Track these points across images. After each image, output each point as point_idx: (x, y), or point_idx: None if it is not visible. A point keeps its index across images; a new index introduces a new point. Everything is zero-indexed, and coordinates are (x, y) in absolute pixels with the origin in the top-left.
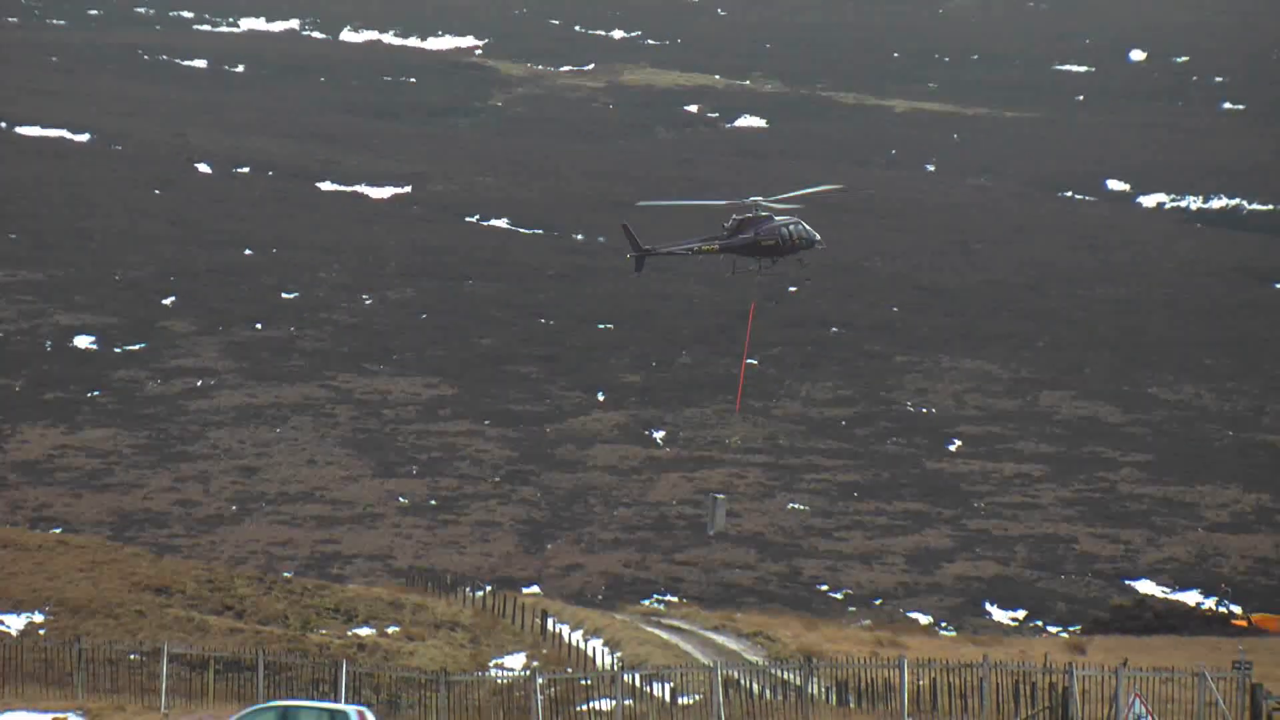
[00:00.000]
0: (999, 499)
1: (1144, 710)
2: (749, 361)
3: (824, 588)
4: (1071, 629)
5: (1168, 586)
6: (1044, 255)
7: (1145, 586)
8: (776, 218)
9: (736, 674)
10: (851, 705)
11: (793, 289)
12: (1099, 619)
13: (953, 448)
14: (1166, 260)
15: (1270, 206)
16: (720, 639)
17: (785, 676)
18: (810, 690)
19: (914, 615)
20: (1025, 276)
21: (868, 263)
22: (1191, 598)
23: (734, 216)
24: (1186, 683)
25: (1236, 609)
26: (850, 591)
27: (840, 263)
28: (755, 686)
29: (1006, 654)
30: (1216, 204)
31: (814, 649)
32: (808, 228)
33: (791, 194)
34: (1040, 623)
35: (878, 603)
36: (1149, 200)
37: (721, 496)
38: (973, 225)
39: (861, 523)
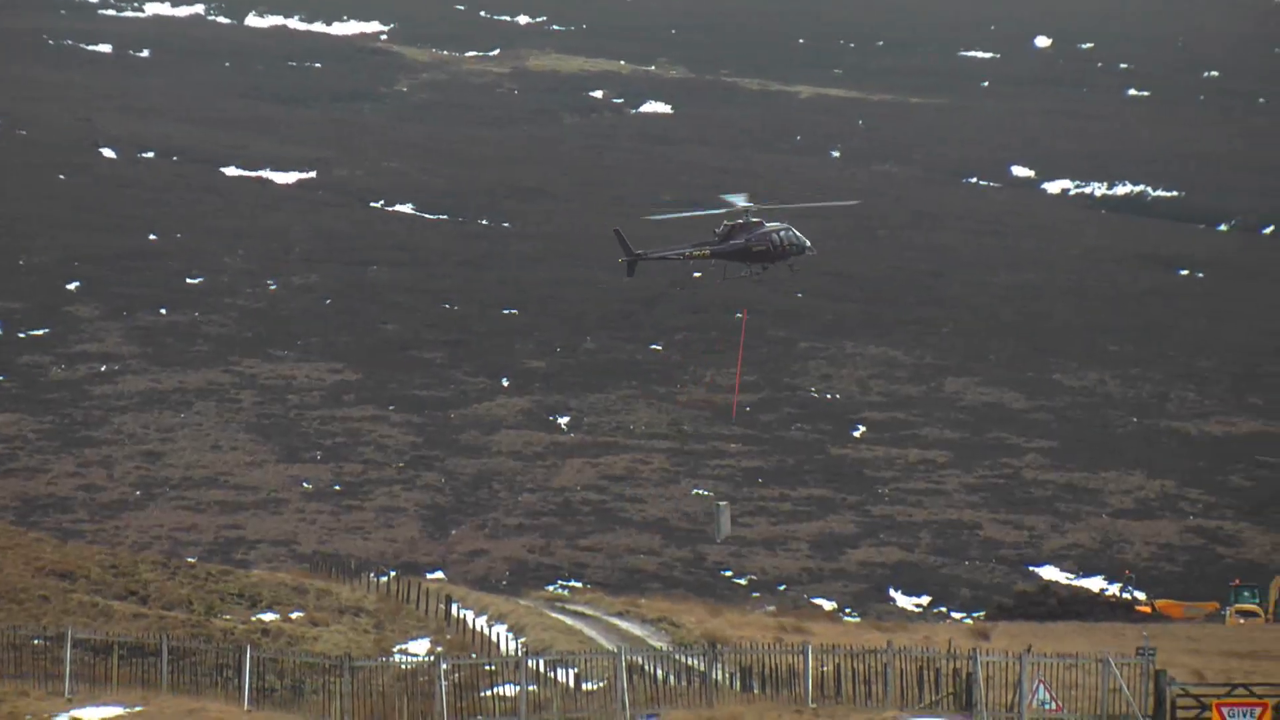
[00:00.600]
0: (903, 485)
1: (1048, 696)
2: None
3: (728, 573)
4: (976, 615)
5: (1071, 573)
6: (948, 241)
7: (1049, 573)
8: (768, 224)
9: (640, 660)
10: (755, 691)
11: (696, 274)
12: (1003, 605)
13: (857, 434)
14: (1071, 247)
15: (1175, 193)
16: (624, 625)
17: (689, 662)
18: (714, 676)
19: (818, 601)
20: (930, 263)
21: None
22: (1095, 584)
23: (725, 222)
24: (1090, 669)
25: (1140, 595)
26: (754, 577)
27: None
28: (659, 672)
29: (911, 640)
30: (1121, 190)
31: (718, 635)
32: (798, 234)
33: (806, 204)
34: (944, 609)
35: (782, 588)
36: (1053, 187)
37: (724, 504)
38: (877, 211)
39: (766, 509)
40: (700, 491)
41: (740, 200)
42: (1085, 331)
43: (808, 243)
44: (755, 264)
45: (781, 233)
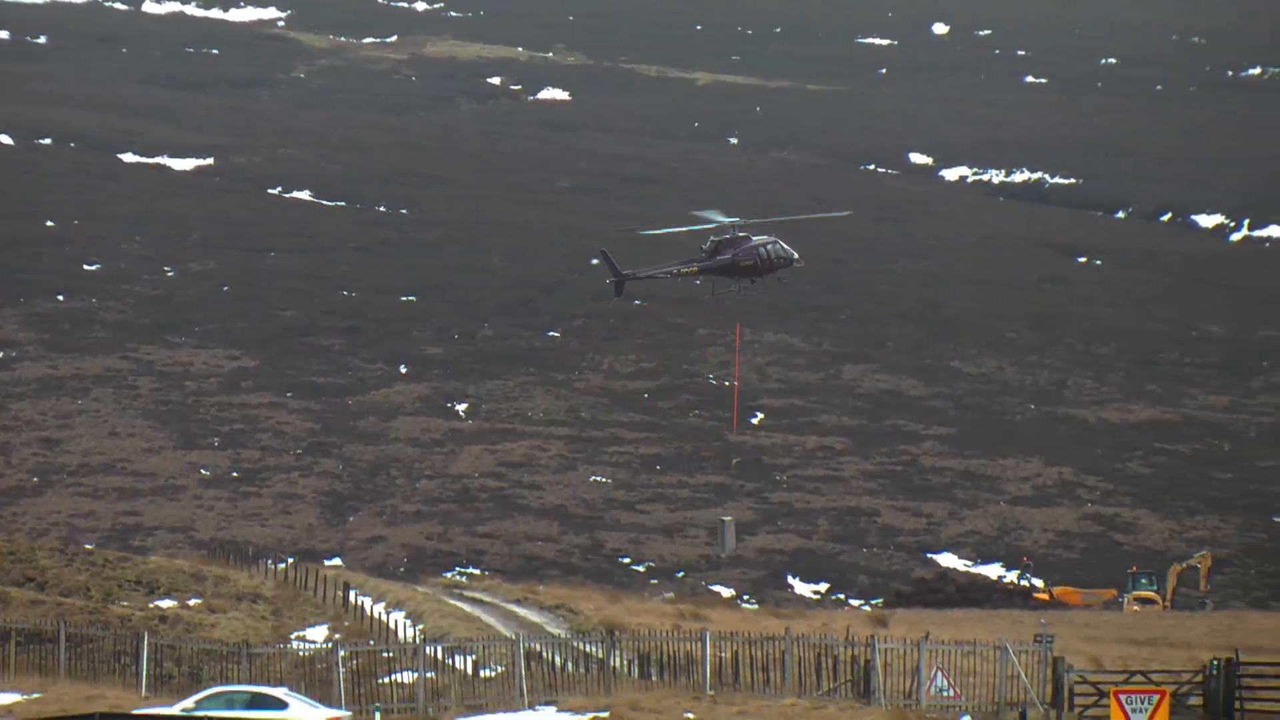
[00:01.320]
0: (801, 472)
1: (945, 683)
2: (732, 384)
3: (626, 560)
4: (874, 602)
5: (969, 560)
6: (846, 228)
7: (947, 560)
8: (754, 238)
9: (539, 647)
10: (654, 678)
11: (594, 261)
12: (901, 592)
13: (755, 420)
14: (969, 234)
15: (1072, 180)
16: (522, 611)
17: (587, 649)
18: (612, 663)
19: (716, 588)
20: (828, 250)
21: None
22: (993, 571)
23: (711, 238)
24: (988, 656)
25: (1038, 582)
26: (652, 564)
27: (642, 235)
28: (557, 659)
29: (809, 627)
30: (1019, 178)
31: (616, 622)
32: (785, 247)
33: (795, 217)
34: (842, 596)
35: (680, 575)
36: (951, 174)
37: (729, 519)
38: (774, 198)
39: (664, 495)
40: (598, 479)
41: (719, 216)
42: (983, 319)
43: (795, 255)
44: (743, 278)
45: (768, 246)
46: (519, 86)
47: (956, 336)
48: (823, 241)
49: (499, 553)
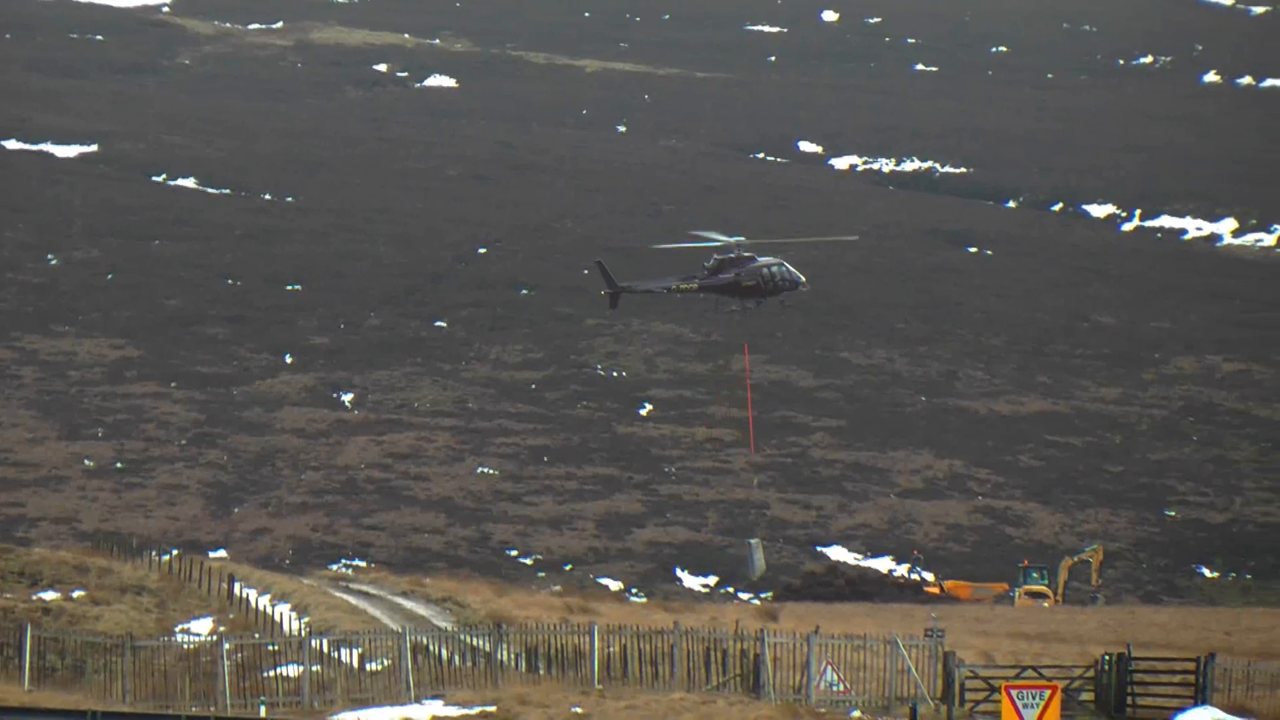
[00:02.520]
0: (690, 464)
1: (835, 678)
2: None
3: (514, 553)
4: (763, 596)
5: (860, 553)
6: (736, 217)
7: (837, 553)
8: (759, 258)
9: (425, 639)
10: (541, 672)
11: (482, 250)
12: (791, 586)
13: (644, 412)
14: (859, 222)
15: (963, 169)
16: (409, 604)
17: (474, 642)
18: (500, 656)
19: (604, 581)
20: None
21: (558, 224)
22: (883, 564)
23: (715, 256)
24: (878, 651)
25: (928, 576)
26: (540, 557)
27: (530, 224)
28: (444, 652)
29: (698, 620)
30: (909, 166)
31: (503, 615)
32: (791, 269)
33: (803, 239)
34: (732, 589)
35: (568, 568)
36: (841, 162)
37: (757, 540)
38: (663, 186)
39: (551, 487)
40: (485, 470)
41: (721, 236)
42: (873, 308)
43: (802, 278)
44: (746, 299)
45: (773, 268)
46: (406, 73)
47: (846, 326)
48: (709, 229)
49: (385, 545)
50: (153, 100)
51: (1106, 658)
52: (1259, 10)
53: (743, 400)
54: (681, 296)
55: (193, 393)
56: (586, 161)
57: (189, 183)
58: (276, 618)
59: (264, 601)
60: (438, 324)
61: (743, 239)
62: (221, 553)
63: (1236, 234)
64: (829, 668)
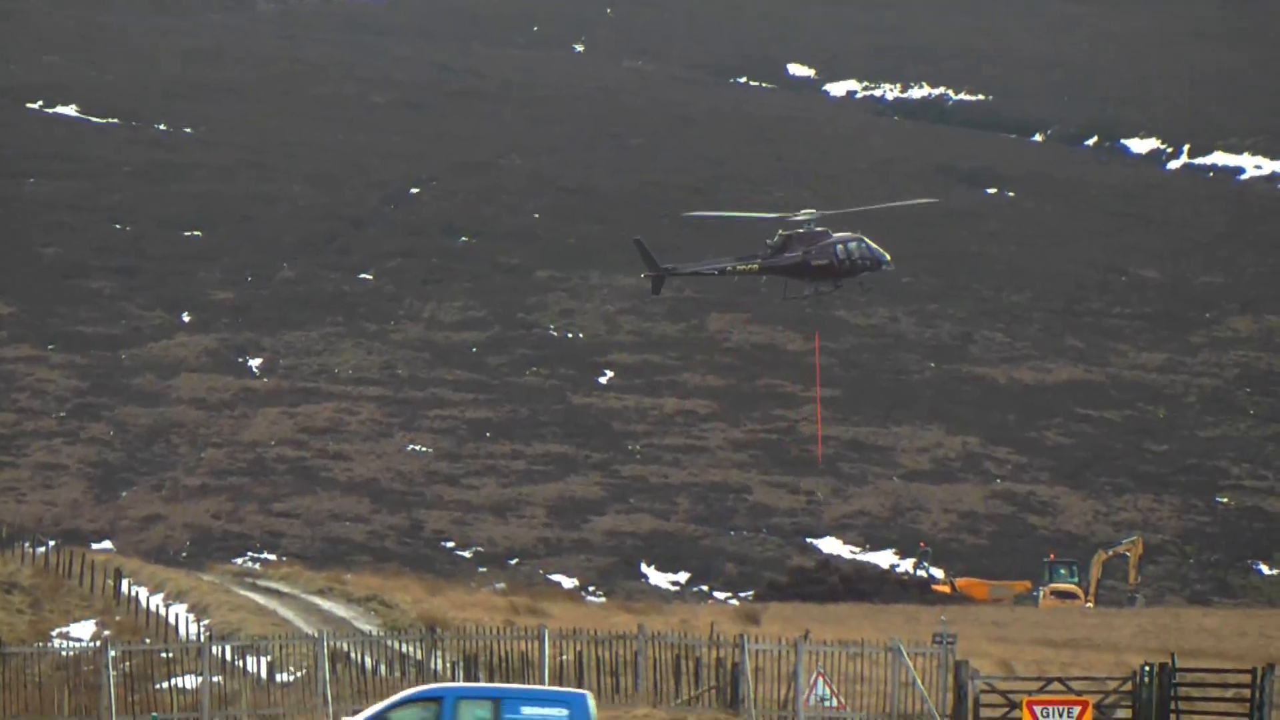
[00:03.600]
0: (658, 441)
1: (828, 691)
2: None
3: (450, 545)
4: (743, 595)
5: (856, 546)
6: (714, 152)
7: (830, 545)
8: (834, 234)
9: (346, 646)
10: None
11: (414, 190)
12: (775, 583)
13: (604, 380)
14: (858, 159)
15: (980, 96)
16: (327, 605)
17: (404, 649)
18: (433, 665)
19: (556, 578)
20: (691, 177)
21: (504, 160)
22: (884, 559)
23: (780, 231)
24: (878, 659)
25: (937, 573)
26: (481, 549)
27: (471, 160)
28: (368, 661)
29: (666, 624)
30: (917, 93)
31: (438, 617)
32: (872, 245)
33: (878, 206)
34: (706, 587)
35: (514, 562)
36: (837, 88)
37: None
38: (628, 116)
39: (495, 468)
40: (417, 448)
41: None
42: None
43: (886, 256)
44: (819, 281)
45: (850, 244)
46: None
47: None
48: (684, 166)
49: (299, 535)
50: (28, 14)
51: (1146, 668)
52: None
53: (723, 367)
54: (739, 280)
55: (73, 356)
56: (538, 87)
57: (70, 111)
58: (171, 620)
59: (156, 601)
60: (362, 277)
61: (814, 211)
62: (107, 544)
63: None
64: (820, 679)
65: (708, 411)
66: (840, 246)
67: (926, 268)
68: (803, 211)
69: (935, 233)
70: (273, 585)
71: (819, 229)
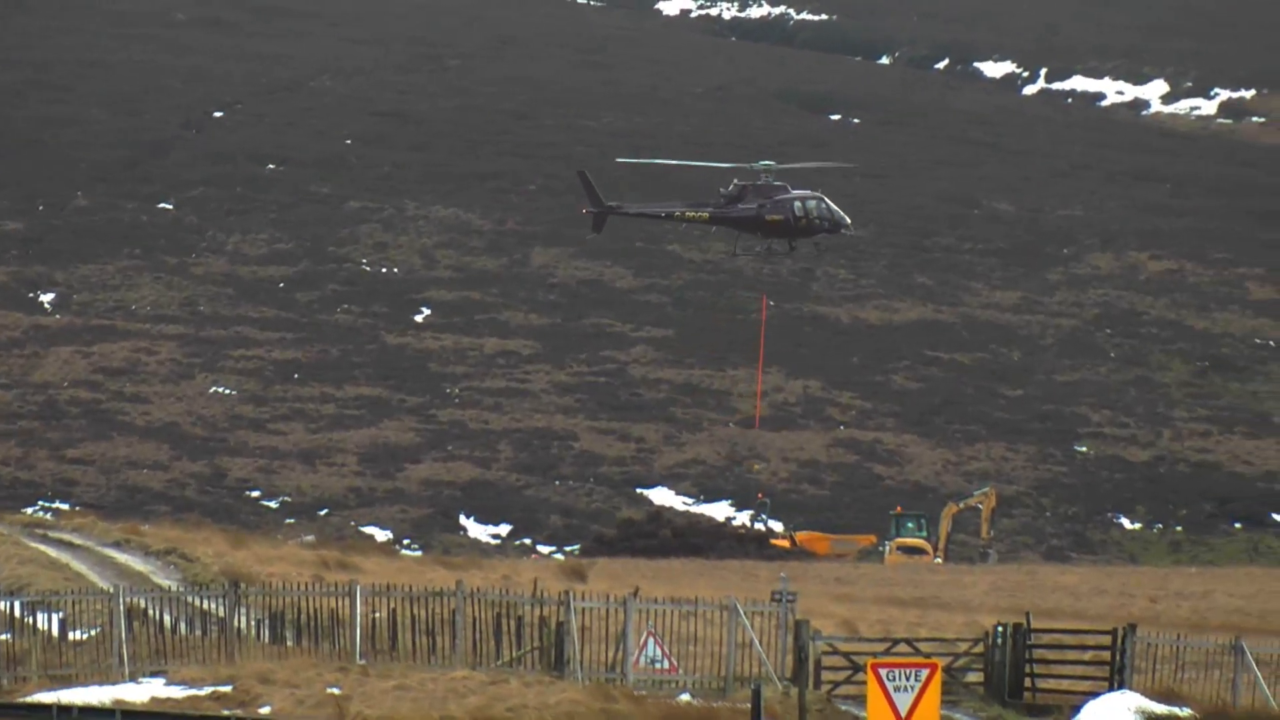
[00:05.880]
0: (478, 383)
1: (659, 652)
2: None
3: (255, 494)
4: (569, 549)
5: (690, 497)
6: (539, 74)
7: (662, 496)
8: (794, 190)
9: (144, 602)
10: (289, 643)
11: (218, 114)
12: (603, 537)
13: (420, 318)
14: (694, 82)
15: (822, 16)
16: (124, 557)
17: (206, 605)
18: (237, 623)
19: (369, 530)
20: (514, 101)
21: (314, 82)
22: (720, 511)
23: (736, 181)
24: (713, 618)
25: (777, 526)
26: (288, 499)
27: (279, 81)
28: (167, 618)
29: (486, 580)
30: (756, 12)
31: (241, 571)
32: (832, 206)
33: (794, 165)
34: (529, 541)
35: (323, 513)
36: (670, 6)
37: None
38: (447, 35)
39: (303, 411)
40: (221, 390)
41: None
42: (710, 190)
43: (848, 220)
44: (772, 238)
45: (810, 202)
46: None
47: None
48: (506, 89)
49: (94, 483)
50: None
51: (1000, 629)
52: None
53: (547, 305)
54: (686, 227)
55: None
56: (350, 3)
57: None
58: None
59: None
60: (162, 206)
61: (771, 163)
62: None
63: (1167, 100)
64: (651, 639)
65: (531, 352)
66: (799, 204)
67: None
68: (761, 163)
69: (775, 160)
70: (65, 536)
71: (778, 183)
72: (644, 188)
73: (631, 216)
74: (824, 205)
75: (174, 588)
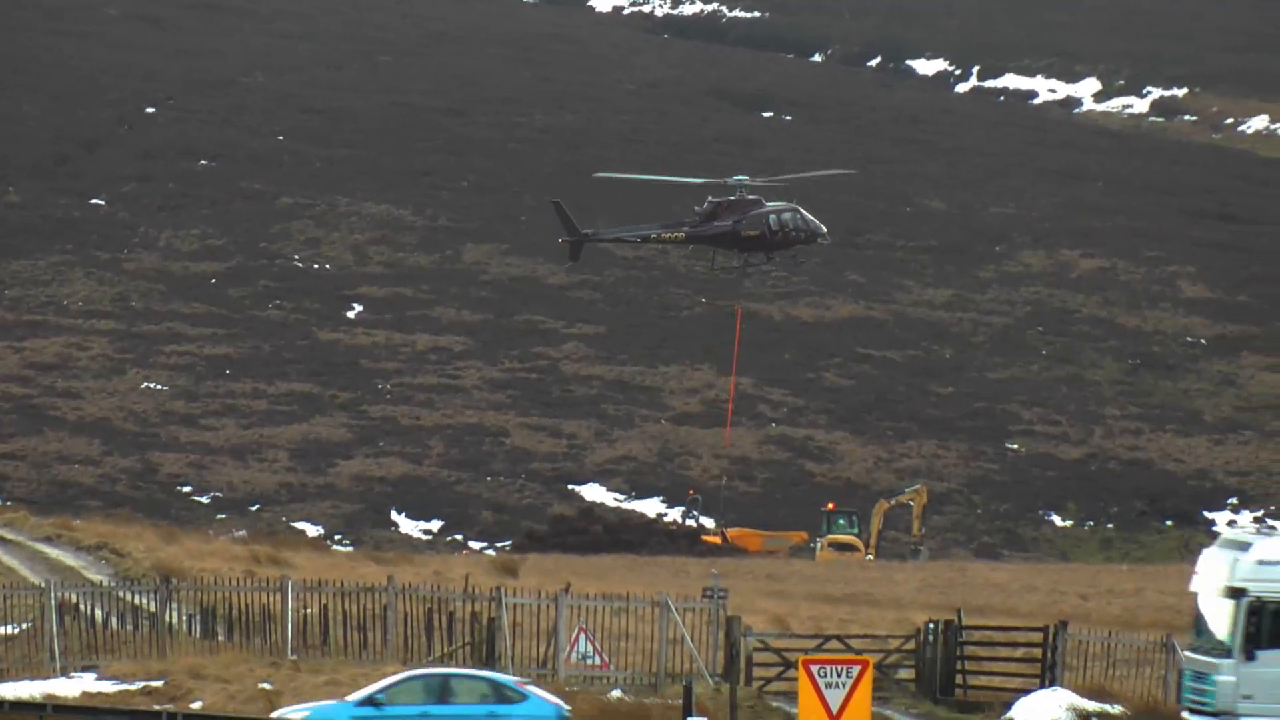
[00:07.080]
0: (410, 379)
1: (590, 649)
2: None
3: (187, 489)
4: (500, 545)
5: (621, 493)
6: (470, 71)
7: (593, 492)
8: (768, 204)
9: (75, 597)
10: (220, 638)
11: (150, 110)
12: (535, 533)
13: (352, 314)
14: (625, 79)
15: (755, 13)
16: (54, 552)
17: (137, 600)
18: (168, 618)
19: (300, 525)
20: (446, 98)
21: (247, 78)
22: (651, 507)
23: (710, 198)
24: (645, 615)
25: (708, 522)
26: (220, 494)
27: (211, 78)
28: (98, 614)
29: (418, 575)
30: (689, 9)
31: (173, 566)
32: (807, 216)
33: (799, 175)
34: (460, 537)
35: (255, 509)
36: (603, 3)
37: None
38: (379, 32)
39: (235, 407)
40: (152, 385)
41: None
42: (642, 186)
43: (822, 229)
44: (749, 252)
45: (784, 215)
46: None
47: (605, 209)
48: (439, 86)
49: (25, 478)
50: None
51: (931, 626)
52: None
53: (479, 302)
54: (663, 247)
55: None
56: None
57: None
58: None
59: None
60: (94, 202)
61: (745, 178)
62: None
63: (1099, 98)
64: (582, 635)
65: (463, 349)
66: (773, 217)
67: (695, 194)
68: (735, 179)
69: (708, 158)
70: None
71: (752, 197)
72: (615, 206)
73: (608, 242)
74: (799, 216)
75: (105, 583)
